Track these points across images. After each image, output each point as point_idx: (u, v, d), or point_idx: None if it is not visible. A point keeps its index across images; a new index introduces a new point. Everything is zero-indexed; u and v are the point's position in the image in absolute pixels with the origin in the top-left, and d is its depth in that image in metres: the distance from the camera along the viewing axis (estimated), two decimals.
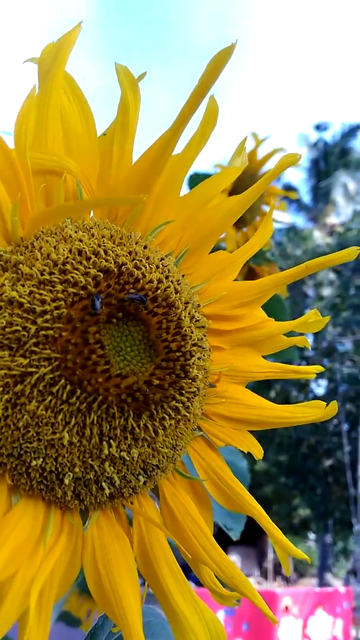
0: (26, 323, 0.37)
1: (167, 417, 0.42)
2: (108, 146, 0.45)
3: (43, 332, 0.37)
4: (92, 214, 0.45)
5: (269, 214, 0.56)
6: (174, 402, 0.42)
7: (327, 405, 0.53)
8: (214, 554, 0.47)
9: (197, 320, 0.46)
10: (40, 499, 0.40)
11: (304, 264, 0.52)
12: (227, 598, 0.50)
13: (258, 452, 0.54)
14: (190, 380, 0.44)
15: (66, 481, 0.39)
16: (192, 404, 0.45)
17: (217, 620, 0.47)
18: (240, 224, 1.65)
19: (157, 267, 0.44)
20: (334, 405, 0.52)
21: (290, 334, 0.56)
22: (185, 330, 0.44)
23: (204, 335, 0.48)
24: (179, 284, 0.45)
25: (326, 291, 16.27)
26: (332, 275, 16.22)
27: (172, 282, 0.44)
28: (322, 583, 13.28)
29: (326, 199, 20.38)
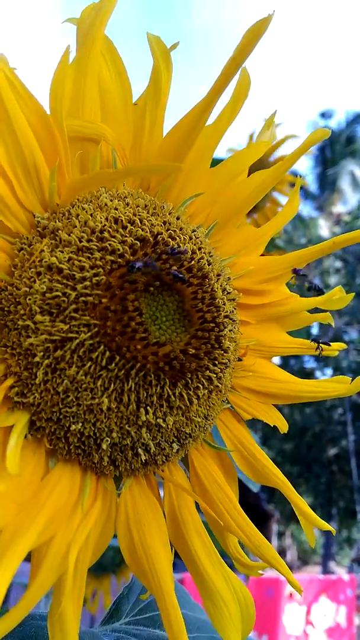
0: (66, 289, 0.37)
1: (201, 386, 0.43)
2: (140, 116, 0.45)
3: (82, 298, 0.37)
4: (124, 184, 0.45)
5: (296, 189, 0.56)
6: (208, 372, 0.43)
7: (352, 380, 0.53)
8: (242, 522, 0.48)
9: (228, 293, 0.47)
10: (77, 463, 0.41)
11: (331, 239, 0.52)
12: (252, 567, 0.50)
13: (283, 425, 0.55)
14: (222, 352, 0.44)
15: (104, 446, 0.40)
16: (223, 375, 0.45)
17: (245, 587, 0.47)
18: (250, 210, 1.64)
19: (190, 238, 0.44)
20: (359, 381, 0.53)
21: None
22: (219, 302, 0.44)
23: (235, 308, 0.48)
24: (210, 256, 0.45)
25: (332, 279, 16.22)
26: (338, 264, 16.17)
27: (204, 253, 0.44)
28: (326, 571, 13.35)
29: (333, 188, 20.26)
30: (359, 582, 6.63)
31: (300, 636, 5.47)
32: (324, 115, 21.78)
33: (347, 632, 6.09)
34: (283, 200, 1.73)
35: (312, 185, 21.21)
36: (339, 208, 20.36)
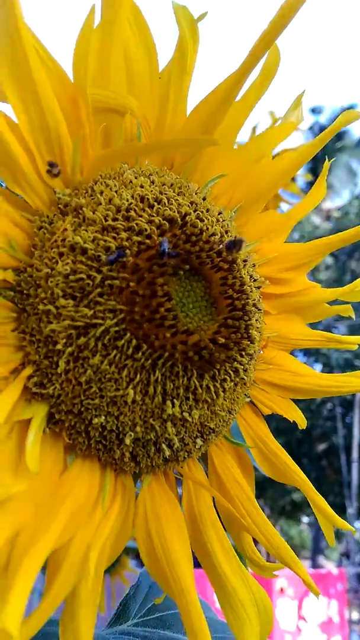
0: (90, 271, 0.34)
1: (228, 378, 0.40)
2: (164, 89, 0.41)
3: (108, 281, 0.34)
4: (147, 161, 0.42)
5: (323, 175, 0.53)
6: (236, 363, 0.40)
7: None
8: (260, 522, 0.45)
9: (255, 280, 0.44)
10: (96, 460, 0.38)
11: (357, 226, 0.50)
12: (266, 569, 0.48)
13: (302, 421, 0.53)
14: (249, 342, 0.41)
15: (127, 441, 0.37)
16: (249, 367, 0.43)
17: (263, 590, 0.45)
18: None
19: (217, 220, 0.41)
20: None
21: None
22: (247, 289, 0.41)
23: (260, 297, 0.46)
24: None
25: (323, 275, 16.23)
26: (328, 260, 16.18)
27: (231, 237, 0.41)
28: (315, 565, 13.41)
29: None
30: (348, 576, 6.65)
31: (293, 631, 5.48)
32: (314, 110, 21.72)
33: (340, 626, 6.11)
34: (284, 194, 1.72)
35: (301, 180, 21.18)
36: (328, 204, 20.37)
